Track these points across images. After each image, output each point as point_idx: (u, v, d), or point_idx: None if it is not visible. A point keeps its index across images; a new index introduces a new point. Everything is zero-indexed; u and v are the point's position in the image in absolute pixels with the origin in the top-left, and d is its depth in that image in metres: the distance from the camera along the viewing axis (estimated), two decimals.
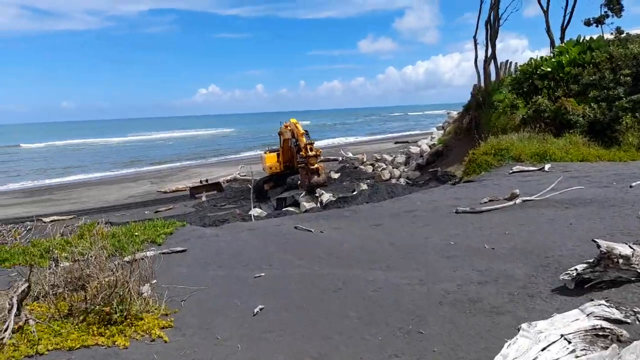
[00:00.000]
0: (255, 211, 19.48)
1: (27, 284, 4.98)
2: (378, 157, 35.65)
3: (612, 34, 20.97)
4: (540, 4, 22.54)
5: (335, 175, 29.63)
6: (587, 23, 21.48)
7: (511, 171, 12.52)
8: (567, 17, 21.54)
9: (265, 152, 27.92)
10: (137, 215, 22.63)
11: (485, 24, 24.14)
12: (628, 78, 14.34)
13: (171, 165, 47.54)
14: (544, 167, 12.32)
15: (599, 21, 20.99)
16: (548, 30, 22.27)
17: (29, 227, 10.40)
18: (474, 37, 26.38)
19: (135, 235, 9.18)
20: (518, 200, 7.99)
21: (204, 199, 25.79)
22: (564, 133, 14.80)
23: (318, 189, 19.74)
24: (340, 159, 37.58)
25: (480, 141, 20.46)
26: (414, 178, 26.70)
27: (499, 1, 23.93)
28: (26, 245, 8.87)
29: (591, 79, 15.48)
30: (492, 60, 25.69)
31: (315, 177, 19.66)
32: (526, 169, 12.50)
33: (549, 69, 17.07)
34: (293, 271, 6.56)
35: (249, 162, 41.88)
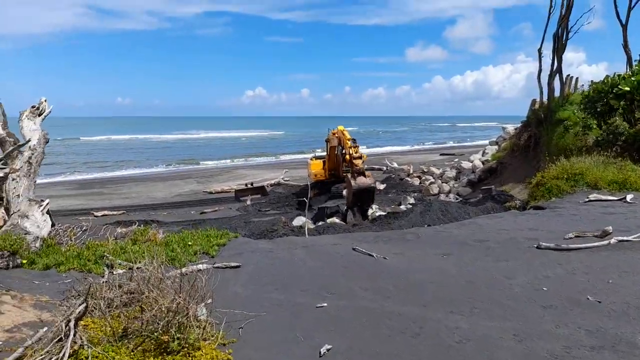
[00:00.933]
0: (300, 219, 19.07)
1: (84, 305, 4.66)
2: (425, 170, 34.54)
3: None
4: (618, 17, 20.98)
5: (381, 186, 28.88)
6: None
7: (587, 199, 11.43)
8: None
9: (311, 159, 27.64)
10: (184, 215, 22.82)
11: (553, 37, 22.76)
12: None
13: (217, 164, 48.29)
14: (625, 198, 11.16)
15: None
16: (625, 46, 20.67)
17: (84, 228, 10.35)
18: (539, 49, 24.98)
19: (189, 245, 8.90)
20: (612, 240, 7.07)
21: (248, 202, 25.71)
22: None
23: (368, 208, 18.80)
24: (385, 168, 36.74)
25: (546, 162, 19.21)
26: (464, 195, 25.53)
27: (570, 13, 22.52)
28: (81, 247, 8.74)
29: None
30: (557, 75, 24.24)
31: (362, 178, 18.71)
32: (604, 198, 11.38)
33: (628, 89, 15.70)
34: (359, 304, 5.98)
35: (294, 166, 41.78)
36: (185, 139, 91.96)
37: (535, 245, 7.50)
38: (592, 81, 28.17)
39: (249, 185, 28.89)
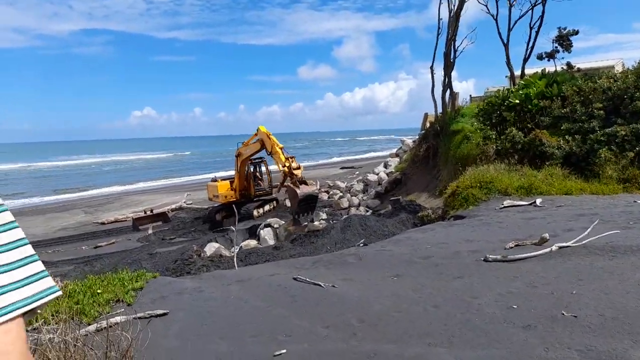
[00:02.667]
0: (212, 246, 17.83)
1: None
2: (331, 184, 34.96)
3: (562, 68, 21.88)
4: (501, 37, 23.18)
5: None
6: (540, 57, 22.38)
7: (502, 206, 12.02)
8: (528, 51, 22.27)
9: (212, 181, 26.19)
10: (74, 252, 20.09)
11: (444, 56, 24.44)
12: (601, 112, 14.60)
13: (106, 191, 44.05)
14: (535, 202, 11.94)
15: (551, 55, 21.90)
16: (508, 63, 22.87)
17: None
18: (431, 67, 26.77)
19: (98, 294, 7.40)
20: (554, 247, 7.24)
21: (150, 231, 23.49)
22: (541, 165, 14.71)
23: (308, 213, 18.52)
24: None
25: (447, 170, 20.25)
26: (373, 207, 26.08)
27: (456, 34, 24.42)
28: None
29: (562, 111, 15.67)
30: (448, 90, 26.06)
31: (305, 186, 18.66)
32: (517, 203, 12.06)
33: (517, 101, 17.19)
34: (324, 346, 5.23)
35: (195, 188, 39.54)
36: (65, 166, 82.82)
37: (482, 258, 7.42)
38: (470, 95, 31.17)
39: (149, 212, 26.47)
